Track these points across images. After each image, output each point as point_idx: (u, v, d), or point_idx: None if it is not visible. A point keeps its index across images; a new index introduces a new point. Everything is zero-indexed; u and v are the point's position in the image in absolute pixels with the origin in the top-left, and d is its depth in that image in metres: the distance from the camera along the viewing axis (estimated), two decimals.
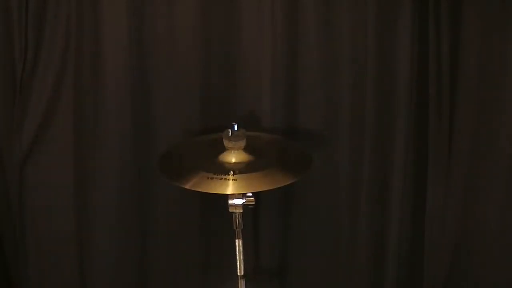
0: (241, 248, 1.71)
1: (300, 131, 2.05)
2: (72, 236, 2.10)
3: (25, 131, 1.99)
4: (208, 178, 1.61)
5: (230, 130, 1.73)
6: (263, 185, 1.62)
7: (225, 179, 1.61)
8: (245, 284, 1.76)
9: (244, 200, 1.61)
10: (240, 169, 1.66)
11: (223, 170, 1.65)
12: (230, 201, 1.61)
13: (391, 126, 2.00)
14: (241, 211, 1.63)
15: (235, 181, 1.60)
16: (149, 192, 2.10)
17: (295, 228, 2.15)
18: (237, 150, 1.72)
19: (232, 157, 1.72)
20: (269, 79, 1.99)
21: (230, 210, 1.63)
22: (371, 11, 1.91)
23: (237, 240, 1.70)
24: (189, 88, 2.01)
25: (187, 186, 1.61)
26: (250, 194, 1.62)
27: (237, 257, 1.72)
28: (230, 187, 1.59)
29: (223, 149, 1.73)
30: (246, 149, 1.74)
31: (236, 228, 1.68)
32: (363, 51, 1.95)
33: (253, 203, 1.63)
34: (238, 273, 1.75)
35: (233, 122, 1.73)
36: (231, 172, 1.63)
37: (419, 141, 2.00)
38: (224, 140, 1.73)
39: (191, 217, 2.13)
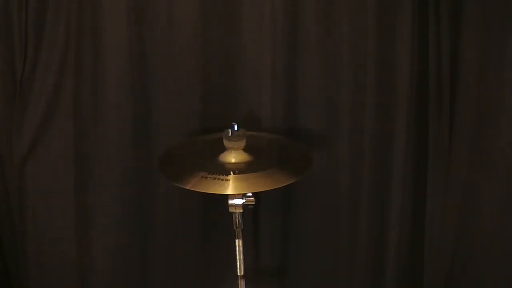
0: (241, 248, 1.71)
1: (300, 131, 2.05)
2: (72, 236, 2.10)
3: (25, 131, 1.99)
4: (208, 178, 1.61)
5: (230, 130, 1.73)
6: (263, 185, 1.61)
7: (225, 179, 1.61)
8: (245, 284, 1.76)
9: (244, 200, 1.61)
10: (240, 169, 1.67)
11: (223, 170, 1.65)
12: (230, 201, 1.61)
13: (391, 126, 2.00)
14: (241, 211, 1.63)
15: (235, 181, 1.60)
16: (149, 192, 2.10)
17: (295, 228, 2.15)
18: (237, 150, 1.72)
19: (232, 157, 1.72)
20: (269, 79, 1.99)
21: (230, 210, 1.63)
22: (371, 11, 1.91)
23: (237, 240, 1.70)
24: (189, 88, 2.01)
25: (187, 186, 1.61)
26: (250, 194, 1.62)
27: (237, 257, 1.72)
28: (230, 187, 1.59)
29: (223, 149, 1.73)
30: (246, 149, 1.74)
31: (236, 228, 1.68)
32: (363, 51, 1.94)
33: (253, 203, 1.63)
34: (238, 273, 1.75)
35: (233, 122, 1.73)
36: (231, 172, 1.63)
37: (419, 141, 2.00)
38: (224, 140, 1.73)
39: (191, 217, 2.13)
